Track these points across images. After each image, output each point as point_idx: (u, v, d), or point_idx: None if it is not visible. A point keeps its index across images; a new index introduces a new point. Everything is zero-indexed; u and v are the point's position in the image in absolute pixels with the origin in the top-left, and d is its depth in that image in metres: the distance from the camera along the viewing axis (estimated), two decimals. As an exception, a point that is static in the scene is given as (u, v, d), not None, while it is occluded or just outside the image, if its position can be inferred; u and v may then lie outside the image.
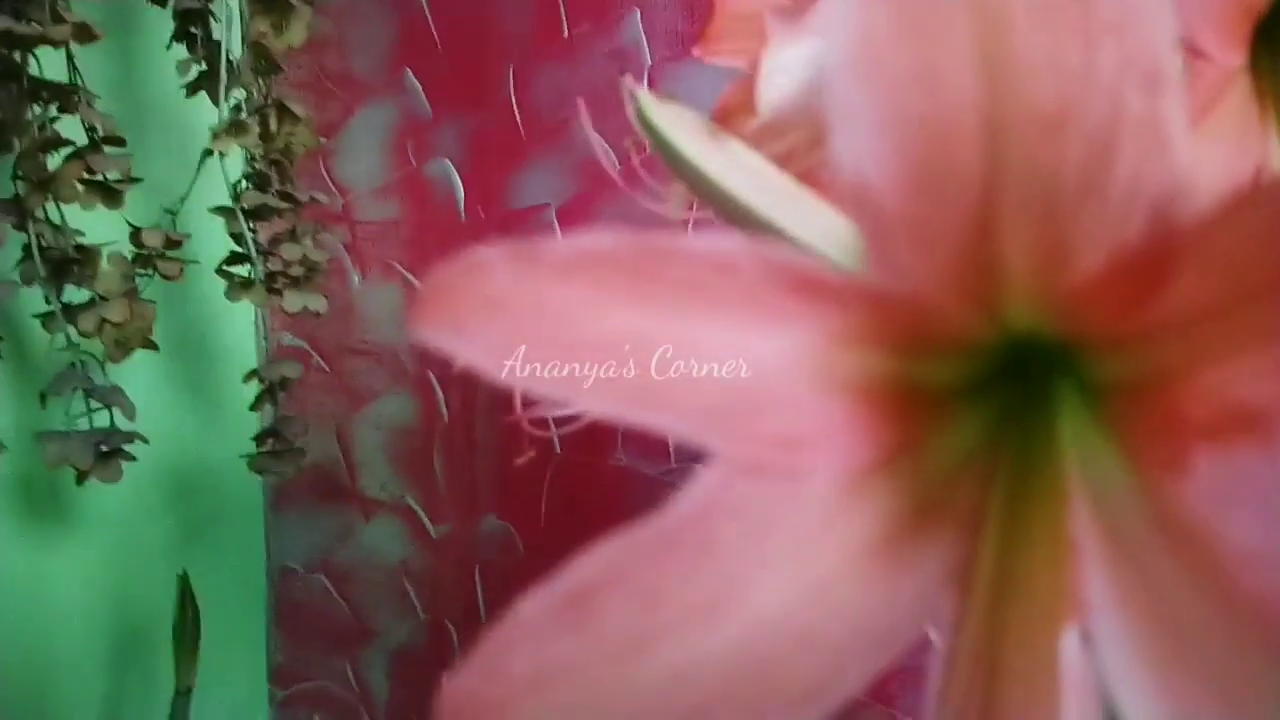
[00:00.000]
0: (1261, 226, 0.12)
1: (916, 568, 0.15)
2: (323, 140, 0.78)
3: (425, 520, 0.91)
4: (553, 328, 0.14)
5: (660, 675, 0.13)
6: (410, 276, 0.91)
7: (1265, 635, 0.12)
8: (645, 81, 0.84)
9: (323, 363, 0.94)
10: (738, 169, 0.26)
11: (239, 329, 0.90)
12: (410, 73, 0.90)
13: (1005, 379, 0.17)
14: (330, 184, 0.92)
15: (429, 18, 0.90)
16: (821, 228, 0.23)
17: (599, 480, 0.84)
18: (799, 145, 0.30)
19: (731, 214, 0.26)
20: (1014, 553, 0.15)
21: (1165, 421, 0.13)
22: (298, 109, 0.70)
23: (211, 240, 0.71)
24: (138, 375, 0.72)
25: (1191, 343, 0.13)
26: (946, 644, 0.15)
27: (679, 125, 0.26)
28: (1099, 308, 0.14)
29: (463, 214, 0.89)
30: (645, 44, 0.84)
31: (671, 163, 0.26)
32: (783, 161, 0.27)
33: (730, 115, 0.33)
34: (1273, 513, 0.12)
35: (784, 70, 0.29)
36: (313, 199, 0.72)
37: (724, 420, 0.14)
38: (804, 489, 0.15)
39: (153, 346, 0.65)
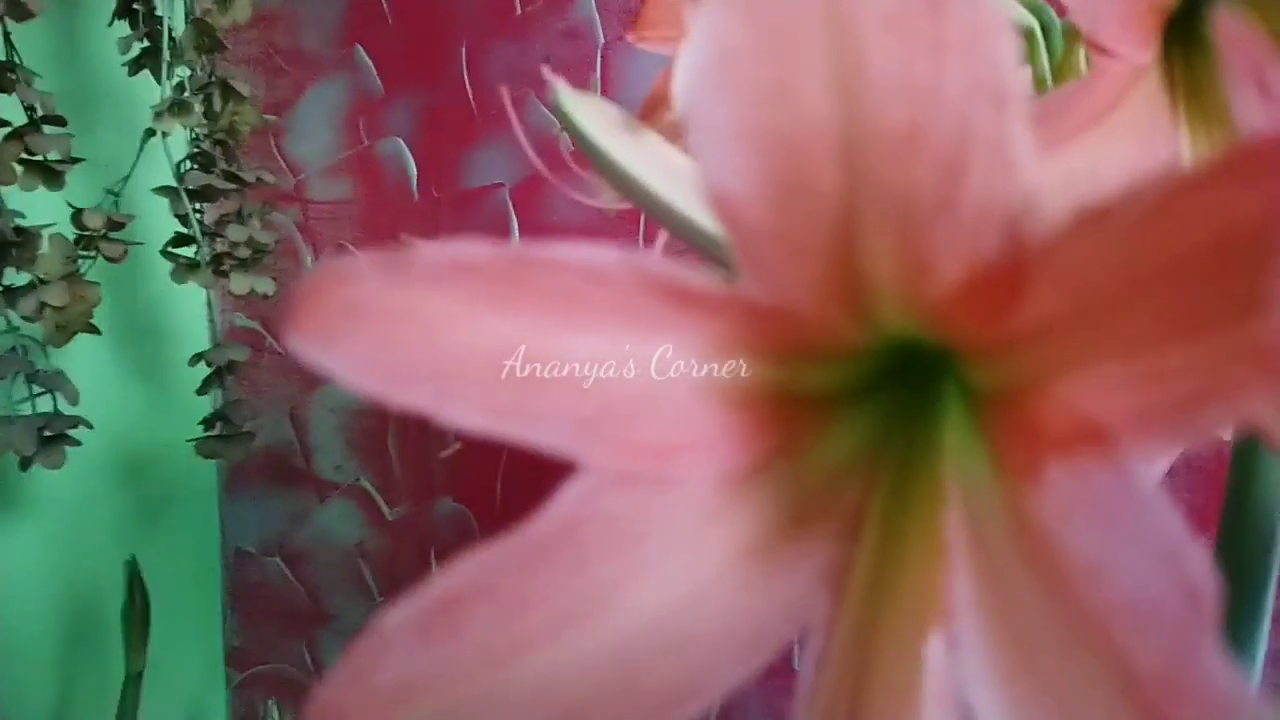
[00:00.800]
0: (1108, 241, 0.12)
1: (792, 570, 0.15)
2: (270, 119, 0.76)
3: (381, 503, 0.91)
4: (422, 338, 0.14)
5: (527, 683, 0.14)
6: (364, 257, 0.90)
7: (1102, 649, 0.12)
8: (599, 60, 0.84)
9: (276, 344, 0.93)
10: (654, 163, 0.26)
11: (190, 311, 0.89)
12: (361, 49, 0.89)
13: (891, 384, 0.17)
14: (282, 163, 0.91)
15: (380, -7, 0.88)
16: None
17: (554, 463, 0.84)
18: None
19: (648, 207, 0.26)
20: (890, 556, 0.15)
21: (1023, 431, 0.14)
22: (242, 87, 0.69)
23: (158, 221, 0.70)
24: (87, 359, 0.71)
25: (1047, 354, 0.13)
26: (818, 646, 0.15)
27: (596, 119, 0.26)
28: (963, 317, 0.14)
29: (416, 193, 0.88)
30: (598, 22, 0.84)
31: (590, 156, 0.26)
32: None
33: (656, 105, 0.33)
34: (1115, 529, 0.12)
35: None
36: (259, 179, 0.71)
37: (596, 431, 0.14)
38: (678, 496, 0.15)
39: (94, 330, 0.64)
